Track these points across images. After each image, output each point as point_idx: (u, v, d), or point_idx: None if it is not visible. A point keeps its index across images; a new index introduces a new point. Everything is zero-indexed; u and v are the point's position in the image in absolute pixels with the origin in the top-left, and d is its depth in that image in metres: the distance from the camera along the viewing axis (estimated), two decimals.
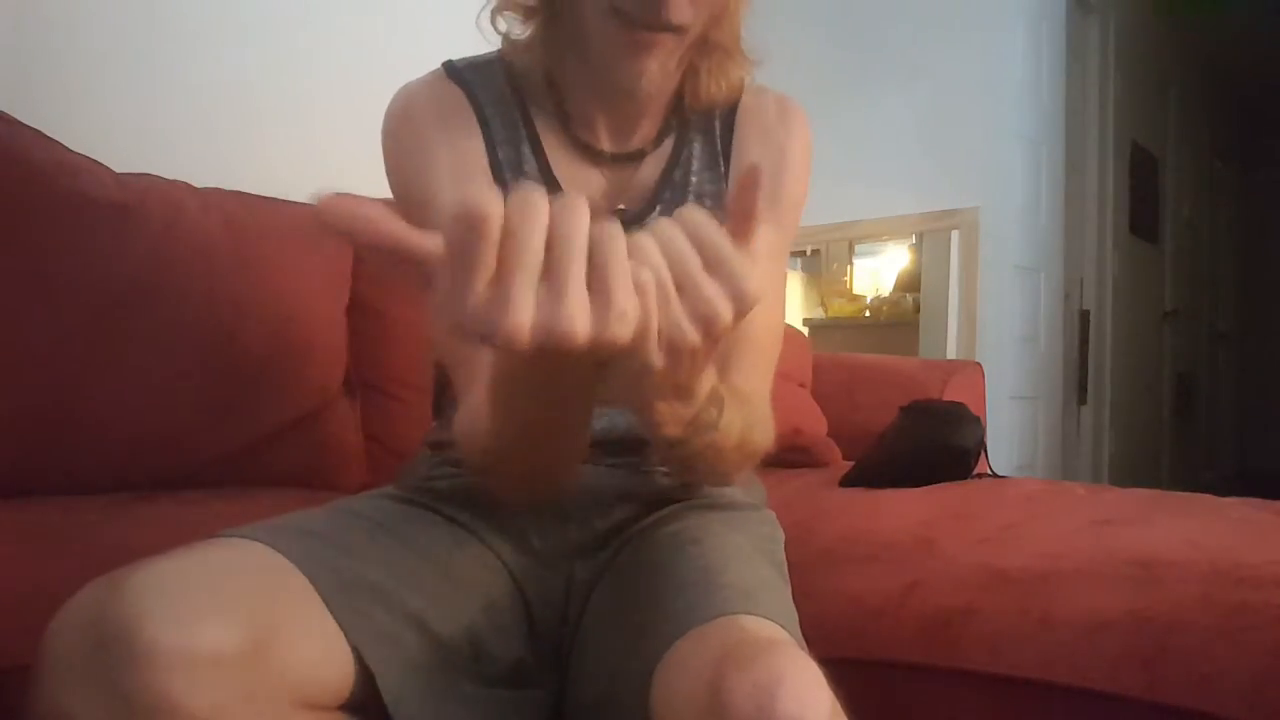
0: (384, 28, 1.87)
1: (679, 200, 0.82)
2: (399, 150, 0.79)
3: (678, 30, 0.70)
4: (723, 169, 0.84)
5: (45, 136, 1.13)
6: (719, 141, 0.85)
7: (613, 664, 0.66)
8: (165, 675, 0.47)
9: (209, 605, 0.51)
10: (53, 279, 1.08)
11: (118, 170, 1.19)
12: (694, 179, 0.83)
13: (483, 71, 0.81)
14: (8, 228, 1.06)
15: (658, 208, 0.82)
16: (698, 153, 0.84)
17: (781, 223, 0.84)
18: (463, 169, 0.77)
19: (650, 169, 0.83)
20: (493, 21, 0.79)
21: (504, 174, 0.79)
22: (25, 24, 1.38)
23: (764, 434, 0.73)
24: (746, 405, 0.69)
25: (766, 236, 0.76)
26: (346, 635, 0.59)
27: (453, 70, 0.82)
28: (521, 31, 0.78)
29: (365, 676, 0.59)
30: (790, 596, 0.74)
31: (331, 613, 0.58)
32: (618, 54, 0.71)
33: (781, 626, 0.61)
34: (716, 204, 0.83)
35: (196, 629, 0.49)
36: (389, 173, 0.80)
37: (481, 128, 0.80)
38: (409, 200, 0.78)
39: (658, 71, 0.72)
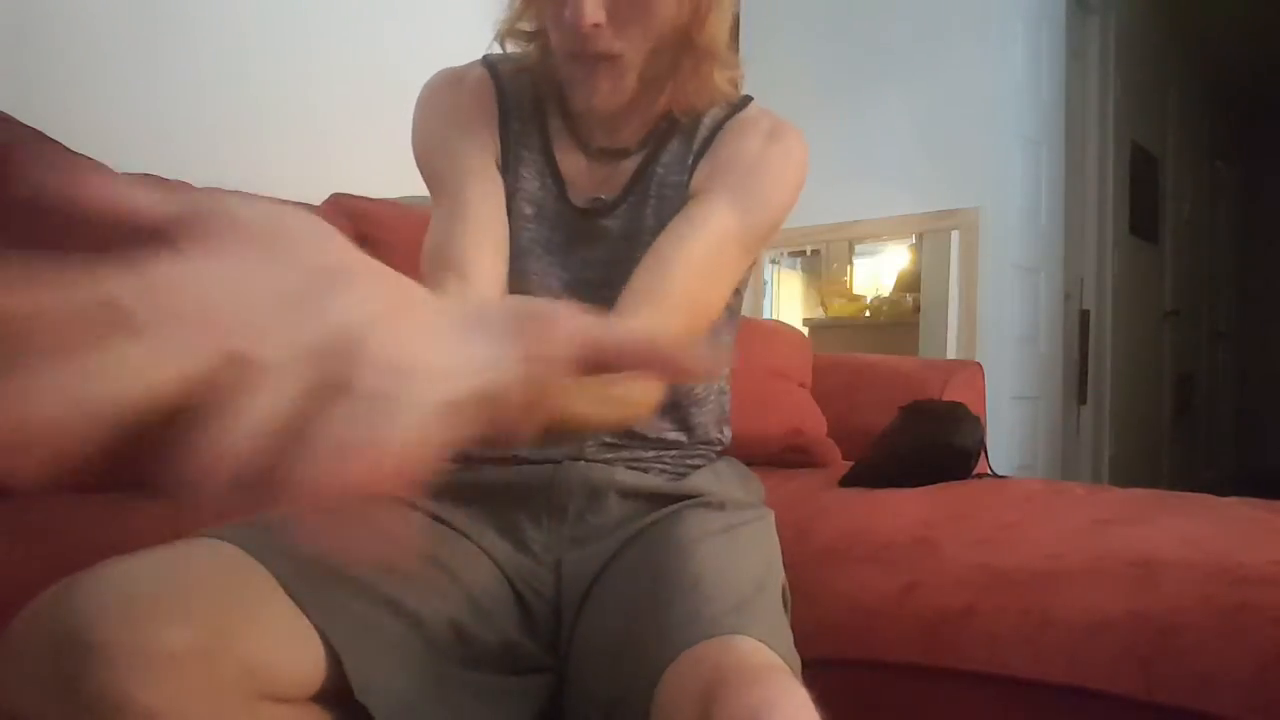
0: (384, 28, 1.87)
1: (646, 191, 0.86)
2: (420, 129, 0.86)
3: (610, 58, 0.76)
4: (690, 162, 0.86)
5: (45, 136, 1.13)
6: (697, 142, 0.87)
7: (611, 683, 0.66)
8: (120, 674, 0.48)
9: (164, 603, 0.51)
10: None
11: (118, 170, 1.19)
12: (660, 171, 0.86)
13: (514, 62, 0.88)
14: (8, 227, 1.06)
15: (629, 199, 0.86)
16: (673, 149, 0.87)
17: (742, 208, 0.81)
18: (466, 150, 0.84)
19: (632, 163, 0.87)
20: (501, 45, 0.86)
21: (512, 144, 0.86)
22: (25, 23, 1.38)
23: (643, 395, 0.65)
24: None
25: (722, 217, 0.79)
26: (310, 618, 0.59)
27: (487, 60, 0.89)
28: (525, 51, 0.85)
29: (338, 664, 0.60)
30: (781, 599, 0.75)
31: (294, 600, 0.59)
32: (571, 81, 0.80)
33: (771, 644, 0.62)
34: (675, 194, 0.85)
35: (151, 627, 0.50)
36: (413, 146, 0.87)
37: (499, 104, 0.87)
38: (428, 172, 0.86)
39: (609, 90, 0.78)
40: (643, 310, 0.73)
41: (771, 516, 0.90)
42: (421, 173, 0.87)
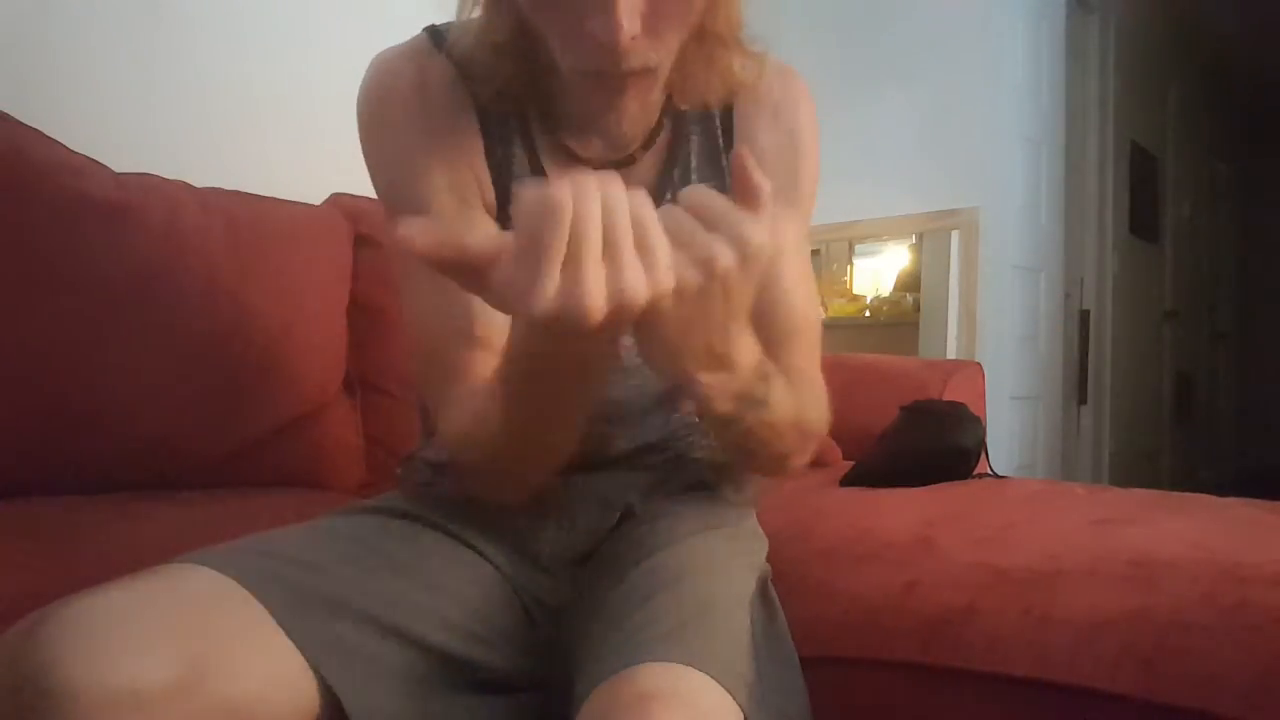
0: (384, 27, 1.87)
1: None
2: (384, 145, 0.74)
3: (645, 71, 0.65)
4: (724, 162, 0.79)
5: (45, 136, 1.13)
6: (719, 132, 0.79)
7: (566, 701, 0.64)
8: (85, 717, 0.45)
9: (132, 639, 0.49)
10: (52, 278, 1.08)
11: (118, 170, 1.19)
12: (694, 176, 0.79)
13: (481, 67, 0.73)
14: (8, 227, 1.06)
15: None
16: (696, 148, 0.79)
17: (801, 210, 0.81)
18: (458, 174, 0.72)
19: (647, 169, 0.78)
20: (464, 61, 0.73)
21: (501, 173, 0.74)
22: (25, 23, 1.38)
23: (819, 413, 0.74)
24: (799, 384, 0.70)
25: (792, 230, 0.77)
26: (305, 655, 0.57)
27: (442, 43, 0.74)
28: (498, 67, 0.71)
29: (331, 696, 0.58)
30: (744, 604, 0.70)
31: (288, 635, 0.56)
32: (595, 105, 0.69)
33: (696, 664, 0.57)
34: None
35: (117, 665, 0.47)
36: (373, 165, 0.75)
37: (479, 116, 0.73)
38: (398, 201, 0.73)
39: (638, 110, 0.70)
40: (783, 356, 0.71)
41: (752, 515, 0.87)
42: (391, 202, 0.73)
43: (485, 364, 0.67)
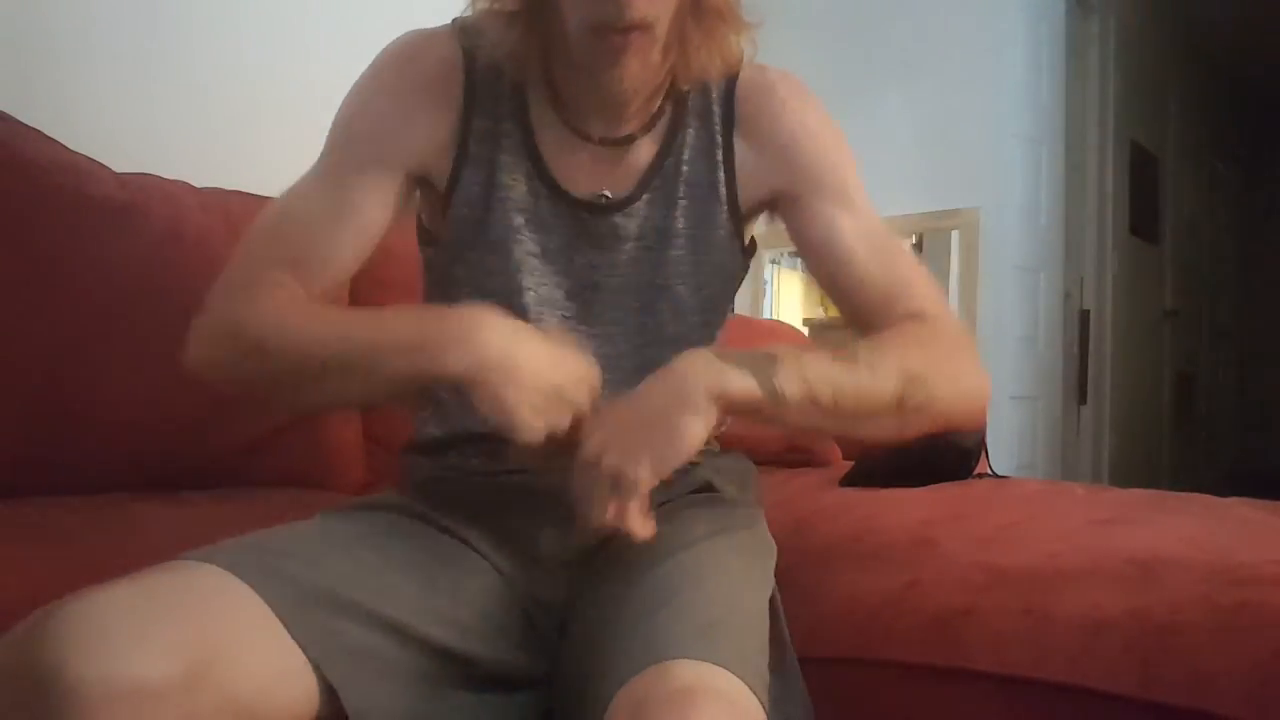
0: (385, 27, 1.87)
1: (669, 189, 0.81)
2: (358, 94, 0.82)
3: (644, 26, 0.70)
4: (720, 157, 0.82)
5: (45, 136, 1.13)
6: (719, 126, 0.83)
7: (579, 700, 0.64)
8: (93, 712, 0.46)
9: (139, 635, 0.49)
10: (53, 279, 1.08)
11: (118, 170, 1.19)
12: (685, 168, 0.82)
13: (490, 41, 0.79)
14: (8, 228, 1.06)
15: (645, 195, 0.81)
16: (692, 140, 0.82)
17: (839, 195, 0.87)
18: (402, 137, 0.79)
19: (644, 152, 0.82)
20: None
21: (469, 144, 0.80)
22: (26, 23, 1.38)
23: (934, 354, 0.76)
24: (900, 339, 0.76)
25: (846, 217, 0.86)
26: (305, 652, 0.57)
27: (464, 34, 0.81)
28: (506, 35, 0.77)
29: (331, 692, 0.58)
30: (764, 609, 0.72)
31: (289, 631, 0.57)
32: (599, 62, 0.73)
33: (728, 665, 0.58)
34: (710, 194, 0.82)
35: (124, 661, 0.48)
36: (343, 104, 0.82)
37: (465, 94, 0.80)
38: (342, 135, 0.82)
39: (639, 68, 0.73)
40: (898, 312, 0.79)
41: (762, 518, 0.87)
42: (333, 131, 0.82)
43: (317, 278, 0.77)
